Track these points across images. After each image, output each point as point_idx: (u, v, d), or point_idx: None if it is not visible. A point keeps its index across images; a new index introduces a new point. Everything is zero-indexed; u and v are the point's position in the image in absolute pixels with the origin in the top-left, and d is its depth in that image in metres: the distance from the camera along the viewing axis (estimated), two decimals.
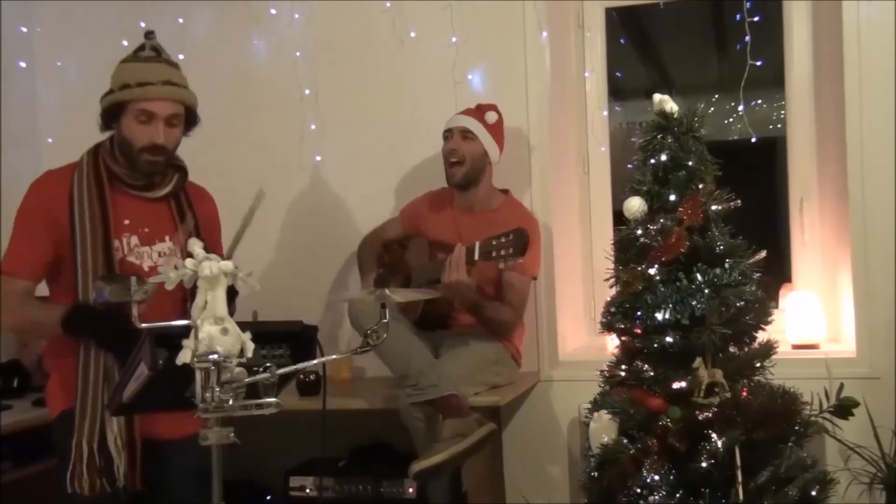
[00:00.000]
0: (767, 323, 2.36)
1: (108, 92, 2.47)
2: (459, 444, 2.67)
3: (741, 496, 2.17)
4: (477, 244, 2.79)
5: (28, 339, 2.50)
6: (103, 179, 2.45)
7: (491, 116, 3.15)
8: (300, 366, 1.83)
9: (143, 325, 1.73)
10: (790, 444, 2.28)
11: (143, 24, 3.76)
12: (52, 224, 2.42)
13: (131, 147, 2.43)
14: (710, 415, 2.21)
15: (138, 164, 2.44)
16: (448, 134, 3.14)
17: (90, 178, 2.45)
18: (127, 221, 2.46)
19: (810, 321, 3.29)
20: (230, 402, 1.63)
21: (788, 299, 3.36)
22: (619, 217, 2.48)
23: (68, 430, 2.34)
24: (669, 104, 2.40)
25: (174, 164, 2.55)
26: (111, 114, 2.46)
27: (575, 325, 3.66)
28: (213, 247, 2.51)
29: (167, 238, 2.50)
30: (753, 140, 3.34)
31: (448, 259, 2.84)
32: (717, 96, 5.07)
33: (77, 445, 2.32)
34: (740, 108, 3.30)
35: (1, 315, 2.41)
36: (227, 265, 1.66)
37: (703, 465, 2.19)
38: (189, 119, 2.51)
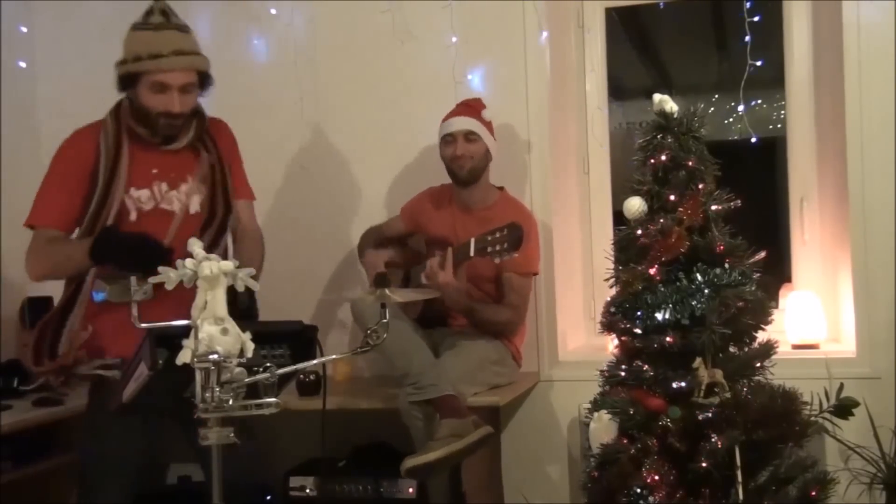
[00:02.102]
0: (767, 323, 2.36)
1: (121, 61, 2.52)
2: (454, 445, 2.67)
3: (741, 496, 2.17)
4: (472, 241, 2.80)
5: (63, 277, 2.54)
6: (122, 140, 2.52)
7: (487, 113, 3.14)
8: (300, 366, 1.84)
9: (143, 324, 1.73)
10: (790, 444, 2.28)
11: None
12: (83, 178, 2.49)
13: (148, 113, 2.49)
14: (710, 415, 2.21)
15: (157, 128, 2.51)
16: (450, 138, 3.12)
17: (110, 136, 2.52)
18: (155, 171, 2.54)
19: (810, 321, 3.29)
20: (230, 402, 1.63)
21: (788, 299, 3.36)
22: (619, 217, 2.48)
23: None
24: (669, 104, 2.40)
25: (192, 113, 2.58)
26: (127, 82, 2.51)
27: (575, 325, 3.66)
28: (235, 175, 2.68)
29: (189, 178, 2.58)
30: (753, 140, 3.34)
31: (427, 263, 2.85)
32: (717, 96, 5.07)
33: None
34: (740, 108, 3.30)
35: (28, 265, 2.52)
36: (227, 265, 1.67)
37: (703, 465, 2.18)
38: (203, 82, 2.55)
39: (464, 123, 3.11)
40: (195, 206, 2.58)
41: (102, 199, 2.48)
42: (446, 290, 2.84)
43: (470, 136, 3.09)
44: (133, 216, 2.51)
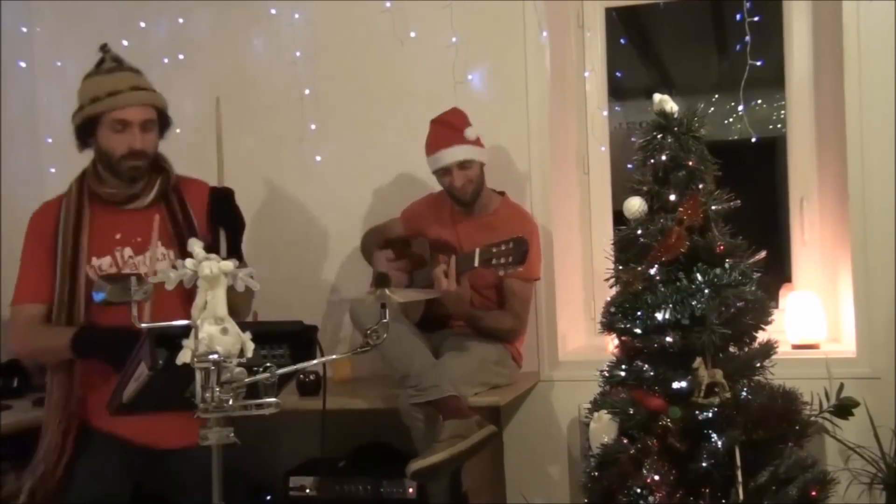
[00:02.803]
0: (767, 323, 2.36)
1: (77, 109, 2.52)
2: (458, 446, 2.67)
3: (741, 496, 2.17)
4: (476, 251, 2.78)
5: (44, 363, 2.56)
6: (84, 207, 2.51)
7: (471, 132, 3.07)
8: (300, 366, 1.83)
9: (143, 324, 1.73)
10: (790, 444, 2.28)
11: (143, 25, 3.78)
12: (50, 249, 2.48)
13: (111, 157, 2.48)
14: (710, 415, 2.21)
15: (121, 173, 2.49)
16: (444, 170, 3.06)
17: (72, 205, 2.51)
18: (118, 235, 2.52)
19: (810, 321, 3.29)
20: (230, 402, 1.63)
21: (788, 299, 3.36)
22: (619, 217, 2.48)
23: None
24: (669, 104, 2.40)
25: (158, 166, 2.57)
26: (86, 129, 2.51)
27: (575, 325, 3.66)
28: (202, 233, 2.55)
29: (158, 243, 2.53)
30: (753, 140, 3.34)
31: (433, 271, 2.84)
32: (717, 96, 5.06)
33: None
34: (740, 108, 3.30)
35: (12, 344, 2.51)
36: (227, 265, 1.66)
37: (703, 465, 2.19)
38: (162, 122, 2.55)
39: (455, 155, 3.05)
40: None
41: (65, 271, 2.46)
42: (450, 297, 2.85)
43: (464, 164, 3.06)
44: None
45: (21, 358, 2.57)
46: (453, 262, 2.82)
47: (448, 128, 3.09)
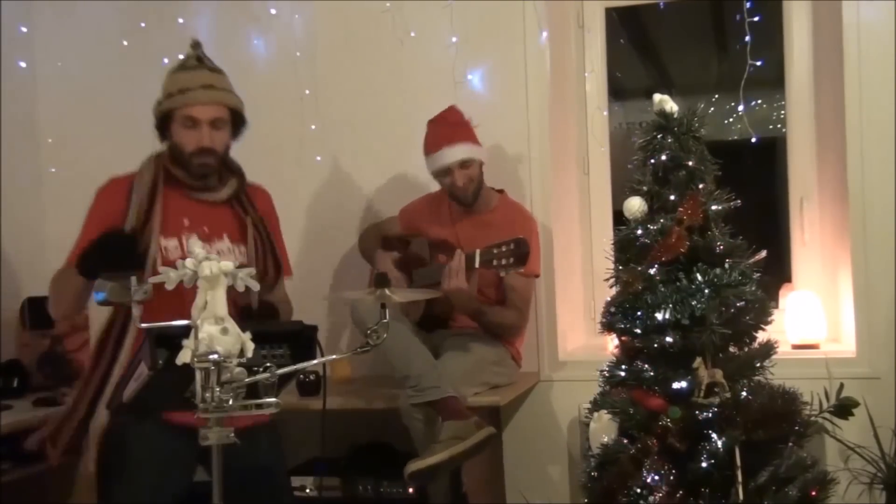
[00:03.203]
0: (767, 323, 2.36)
1: (157, 102, 2.56)
2: (457, 447, 2.67)
3: (741, 496, 2.17)
4: (477, 252, 2.79)
5: (77, 310, 2.56)
6: (158, 185, 2.53)
7: (469, 131, 3.07)
8: (300, 366, 1.84)
9: (143, 324, 1.73)
10: (790, 444, 2.28)
11: (143, 25, 3.78)
12: (111, 225, 2.47)
13: (182, 152, 2.52)
14: (710, 415, 2.21)
15: (191, 168, 2.53)
16: (445, 170, 3.05)
17: (144, 184, 2.53)
18: (186, 222, 2.54)
19: (810, 321, 3.29)
20: (230, 402, 1.63)
21: (788, 299, 3.36)
22: (619, 217, 2.48)
23: None
24: (669, 104, 2.40)
25: (230, 167, 2.63)
26: (163, 123, 2.55)
27: (575, 325, 3.66)
28: (277, 243, 2.70)
29: (225, 236, 2.57)
30: (753, 140, 3.34)
31: (447, 267, 2.84)
32: (717, 96, 5.06)
33: None
34: (740, 108, 3.29)
35: (49, 308, 2.53)
36: (227, 265, 1.66)
37: (703, 465, 2.19)
38: (236, 122, 2.59)
39: (456, 154, 3.04)
40: None
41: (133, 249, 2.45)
42: (458, 294, 2.85)
43: (465, 162, 3.05)
44: (159, 265, 2.41)
45: (59, 317, 2.58)
46: (463, 259, 2.82)
47: (447, 127, 3.09)
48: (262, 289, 2.45)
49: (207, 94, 2.51)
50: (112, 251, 2.35)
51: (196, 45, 2.60)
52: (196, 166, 2.52)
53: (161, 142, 2.59)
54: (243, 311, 2.42)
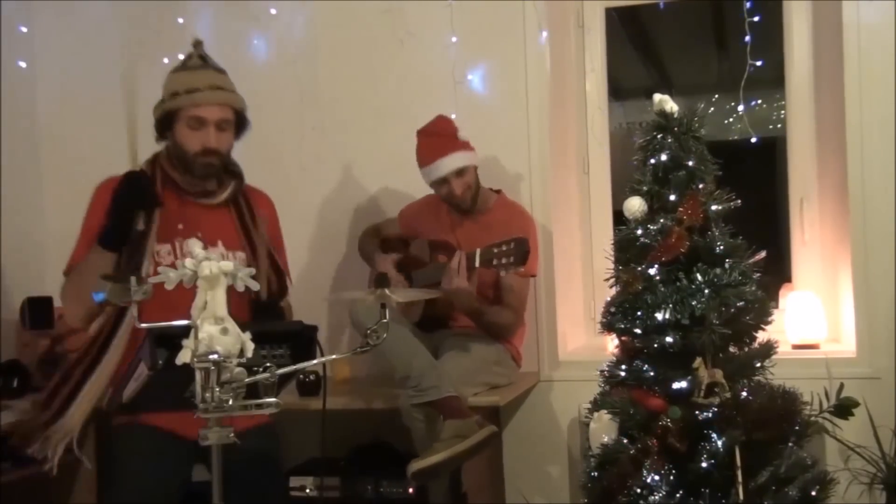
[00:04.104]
0: (767, 323, 2.36)
1: (159, 102, 2.54)
2: (459, 446, 2.67)
3: (741, 496, 2.17)
4: (478, 252, 2.79)
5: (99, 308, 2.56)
6: (156, 187, 2.51)
7: (461, 138, 3.06)
8: (300, 366, 1.84)
9: (143, 324, 1.73)
10: (790, 444, 2.27)
11: (143, 25, 3.77)
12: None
13: (185, 153, 2.50)
14: (710, 415, 2.21)
15: (194, 169, 2.52)
16: (442, 181, 3.05)
17: None
18: (181, 226, 2.53)
19: (810, 321, 3.29)
20: (230, 402, 1.63)
21: (788, 299, 3.36)
22: (619, 217, 2.48)
23: None
24: (669, 104, 2.40)
25: (230, 170, 2.62)
26: (164, 123, 2.53)
27: (575, 325, 3.66)
28: (278, 248, 2.69)
29: (220, 243, 2.53)
30: (753, 140, 3.34)
31: (448, 266, 2.84)
32: (717, 96, 5.08)
33: None
34: (740, 108, 3.29)
35: (65, 311, 2.54)
36: (227, 265, 1.66)
37: (703, 465, 2.18)
38: (239, 123, 2.58)
39: (450, 164, 3.04)
40: None
41: (133, 249, 2.45)
42: (460, 294, 2.85)
43: (460, 172, 3.05)
44: (150, 271, 2.44)
45: (79, 321, 2.56)
46: (464, 259, 2.82)
47: (438, 137, 3.08)
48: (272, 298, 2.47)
49: (215, 95, 2.50)
50: (132, 193, 2.36)
51: (198, 43, 2.58)
52: (199, 167, 2.51)
53: (158, 141, 2.57)
54: (251, 304, 2.42)
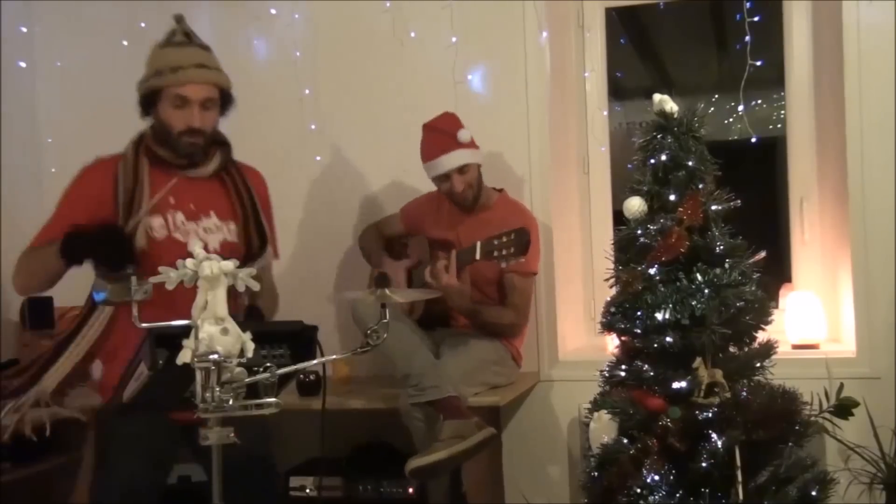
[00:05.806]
0: (767, 323, 2.36)
1: (143, 78, 2.51)
2: (458, 446, 2.67)
3: (741, 496, 2.17)
4: (478, 244, 2.79)
5: (44, 288, 2.54)
6: (141, 166, 2.49)
7: (464, 135, 3.05)
8: (300, 366, 1.84)
9: (143, 324, 1.73)
10: (790, 444, 2.28)
11: (143, 25, 3.77)
12: (97, 208, 2.45)
13: (170, 131, 2.47)
14: (710, 415, 2.21)
15: (179, 147, 2.49)
16: (443, 176, 3.06)
17: (129, 165, 2.49)
18: (172, 199, 2.50)
19: (810, 321, 3.29)
20: (230, 402, 1.63)
21: (788, 299, 3.36)
22: (619, 217, 2.48)
23: None
24: (669, 104, 2.40)
25: (216, 140, 2.58)
26: (148, 100, 2.50)
27: (575, 325, 3.66)
28: (266, 216, 2.64)
29: (212, 213, 2.53)
30: (753, 140, 3.34)
31: (434, 265, 2.83)
32: (717, 96, 5.07)
33: None
34: (740, 108, 3.30)
35: (13, 281, 2.50)
36: (228, 265, 1.67)
37: (703, 465, 2.18)
38: (224, 101, 2.55)
39: (452, 161, 3.04)
40: (215, 244, 2.51)
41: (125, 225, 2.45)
42: (450, 292, 2.84)
43: (463, 168, 3.05)
44: (143, 243, 2.44)
45: (22, 291, 2.55)
46: (454, 257, 2.82)
47: (442, 133, 3.08)
48: (246, 259, 2.45)
49: (200, 73, 2.46)
50: (106, 247, 2.33)
51: (180, 18, 2.54)
52: (184, 145, 2.48)
53: (142, 118, 2.55)
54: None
